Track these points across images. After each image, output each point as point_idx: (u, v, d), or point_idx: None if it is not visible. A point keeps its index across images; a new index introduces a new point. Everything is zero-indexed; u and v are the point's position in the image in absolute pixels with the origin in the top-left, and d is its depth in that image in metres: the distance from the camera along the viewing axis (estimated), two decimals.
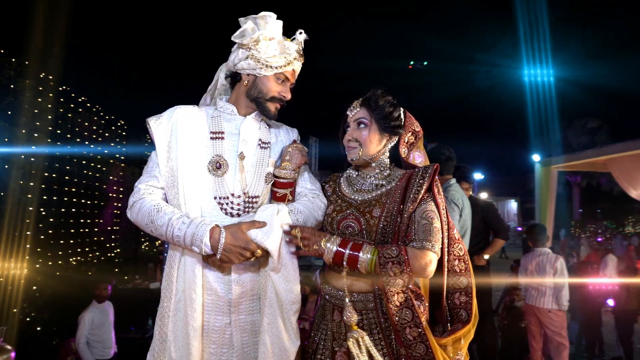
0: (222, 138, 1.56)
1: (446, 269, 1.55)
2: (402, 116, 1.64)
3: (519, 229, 21.48)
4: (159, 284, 5.75)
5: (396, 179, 1.59)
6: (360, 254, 1.41)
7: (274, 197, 1.60)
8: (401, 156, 1.66)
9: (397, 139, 1.65)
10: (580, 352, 5.58)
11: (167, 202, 1.52)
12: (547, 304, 4.13)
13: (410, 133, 1.66)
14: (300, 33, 1.58)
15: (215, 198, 1.52)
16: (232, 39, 1.54)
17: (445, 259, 1.54)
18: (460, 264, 1.56)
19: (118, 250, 7.80)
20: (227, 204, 1.52)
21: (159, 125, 1.54)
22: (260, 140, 1.62)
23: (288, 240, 1.49)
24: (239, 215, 1.53)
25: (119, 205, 8.14)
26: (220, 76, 1.71)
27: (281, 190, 1.59)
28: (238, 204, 1.53)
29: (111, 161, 7.78)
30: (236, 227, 1.42)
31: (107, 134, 7.67)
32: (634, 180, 9.07)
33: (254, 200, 1.56)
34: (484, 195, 23.82)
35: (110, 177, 7.80)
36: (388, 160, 1.65)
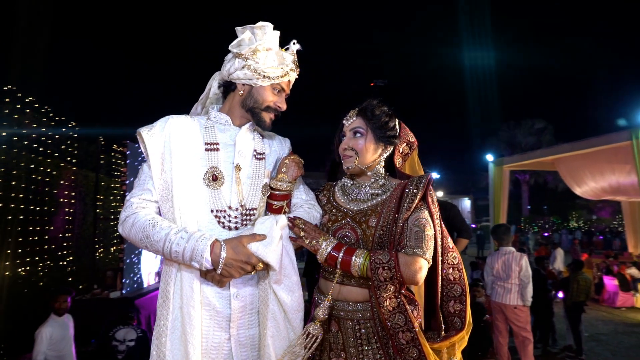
0: (217, 149, 1.52)
1: (440, 277, 1.57)
2: (397, 126, 1.66)
3: (473, 225, 22.35)
4: (120, 293, 5.53)
5: (391, 189, 1.61)
6: (353, 258, 1.43)
7: (270, 210, 1.57)
8: (396, 166, 1.68)
9: (392, 149, 1.67)
10: (534, 342, 5.89)
11: (160, 216, 1.46)
12: (513, 301, 4.33)
13: (405, 144, 1.69)
14: (294, 43, 1.57)
15: (212, 211, 1.47)
16: (229, 48, 1.51)
17: (439, 268, 1.56)
18: (454, 272, 1.59)
19: (71, 258, 7.42)
20: (224, 217, 1.48)
21: (152, 137, 1.47)
22: (255, 151, 1.59)
23: (290, 225, 1.51)
24: (236, 228, 1.49)
25: (71, 210, 7.74)
26: (213, 85, 1.66)
27: (277, 202, 1.57)
28: (235, 217, 1.50)
29: (62, 164, 7.39)
30: (237, 241, 1.39)
31: (57, 136, 7.29)
32: (579, 178, 9.70)
33: (251, 212, 1.53)
34: (439, 194, 24.58)
35: (61, 182, 7.41)
36: (383, 170, 1.67)
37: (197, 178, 1.48)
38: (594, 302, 8.47)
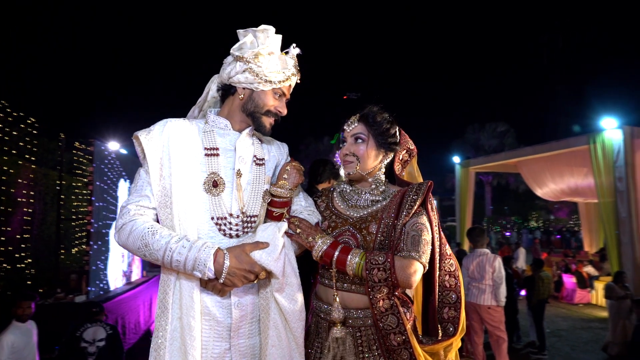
0: (217, 155, 1.48)
1: (437, 284, 1.59)
2: (398, 133, 1.66)
3: None
4: (85, 296, 5.32)
5: (391, 195, 1.61)
6: (349, 257, 1.42)
7: (270, 217, 1.54)
8: (395, 173, 1.68)
9: (392, 155, 1.67)
10: None
11: (159, 223, 1.41)
12: (487, 301, 4.46)
13: (405, 151, 1.70)
14: (294, 47, 1.54)
15: (212, 218, 1.43)
16: (231, 51, 1.47)
17: (437, 274, 1.58)
18: (450, 279, 1.61)
19: (30, 260, 7.07)
20: (225, 224, 1.43)
21: (150, 141, 1.41)
22: (255, 156, 1.56)
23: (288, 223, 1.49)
24: (237, 236, 1.45)
25: (30, 210, 7.39)
26: (212, 88, 1.61)
27: (278, 209, 1.54)
28: (236, 224, 1.45)
29: (20, 162, 7.05)
30: (240, 250, 1.35)
31: (15, 133, 6.94)
32: (540, 180, 10.12)
33: (252, 219, 1.49)
34: None
35: (19, 180, 7.06)
36: (383, 176, 1.66)
37: (197, 184, 1.43)
38: (553, 299, 8.85)
